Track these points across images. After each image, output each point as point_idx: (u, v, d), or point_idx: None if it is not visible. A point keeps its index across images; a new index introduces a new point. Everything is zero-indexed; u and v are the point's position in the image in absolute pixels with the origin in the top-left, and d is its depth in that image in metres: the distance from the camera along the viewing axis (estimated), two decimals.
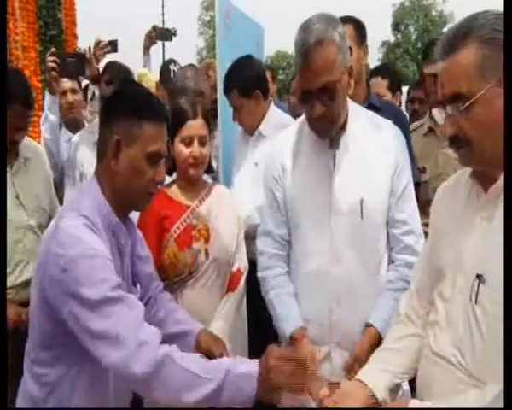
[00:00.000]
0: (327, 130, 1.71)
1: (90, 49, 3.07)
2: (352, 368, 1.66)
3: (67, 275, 1.31)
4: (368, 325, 1.73)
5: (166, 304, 1.74)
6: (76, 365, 1.41)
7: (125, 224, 1.55)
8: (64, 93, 3.37)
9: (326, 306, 1.75)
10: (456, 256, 1.30)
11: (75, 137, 2.96)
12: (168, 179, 2.17)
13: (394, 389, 1.47)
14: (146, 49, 4.05)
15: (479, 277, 1.21)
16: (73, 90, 3.39)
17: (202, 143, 2.07)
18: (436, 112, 2.71)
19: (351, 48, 2.25)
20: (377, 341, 1.68)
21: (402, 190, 1.76)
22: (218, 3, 3.06)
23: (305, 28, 1.61)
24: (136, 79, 3.28)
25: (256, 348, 2.39)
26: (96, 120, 2.79)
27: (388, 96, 3.51)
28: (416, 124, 3.00)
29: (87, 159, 2.70)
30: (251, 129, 2.76)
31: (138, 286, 1.67)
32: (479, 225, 1.26)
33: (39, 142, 3.01)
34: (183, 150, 2.06)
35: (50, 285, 1.35)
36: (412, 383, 1.67)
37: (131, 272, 1.62)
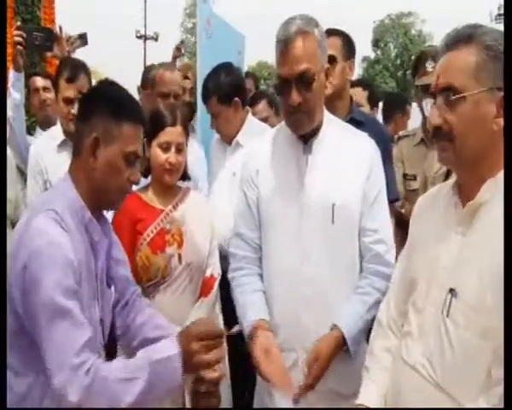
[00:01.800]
0: (302, 122, 1.72)
1: (60, 29, 3.00)
2: (311, 365, 1.65)
3: (27, 271, 1.31)
4: (332, 327, 1.71)
5: (145, 309, 1.72)
6: (44, 372, 1.34)
7: (100, 223, 1.54)
8: (36, 91, 3.31)
9: (295, 309, 1.75)
10: (430, 268, 1.32)
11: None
12: (144, 182, 2.15)
13: None
14: (173, 60, 4.02)
15: (451, 291, 1.23)
16: (45, 88, 3.32)
17: (179, 150, 2.07)
18: (425, 103, 2.73)
19: (336, 59, 2.29)
20: (340, 343, 1.67)
21: (374, 199, 1.76)
22: (199, 11, 3.08)
23: (287, 22, 1.69)
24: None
25: (233, 354, 2.38)
26: (57, 125, 2.70)
27: (367, 107, 3.58)
28: (408, 131, 3.02)
29: (52, 165, 2.55)
30: (228, 138, 2.73)
31: (113, 289, 1.65)
32: (454, 239, 1.28)
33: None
34: (159, 155, 2.05)
35: (14, 279, 1.34)
36: None
37: (107, 275, 1.60)
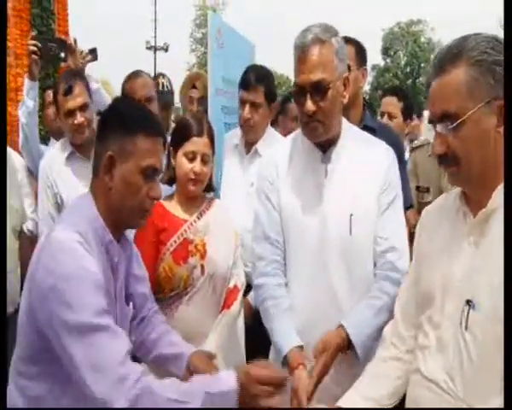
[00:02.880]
0: (317, 130, 1.72)
1: (75, 41, 3.04)
2: (318, 355, 1.63)
3: (55, 293, 1.29)
4: (338, 326, 1.70)
5: (160, 326, 1.72)
6: (60, 383, 1.37)
7: (120, 241, 1.53)
8: (50, 103, 3.34)
9: (312, 318, 1.75)
10: (444, 281, 1.31)
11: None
12: (168, 190, 2.16)
13: None
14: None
15: (468, 302, 1.22)
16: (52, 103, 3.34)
17: (205, 161, 2.06)
18: (427, 129, 2.75)
19: (349, 66, 2.31)
20: (344, 342, 1.66)
21: (387, 207, 1.76)
22: (210, 21, 3.10)
23: (306, 29, 1.69)
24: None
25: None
26: (65, 138, 2.70)
27: (400, 119, 3.51)
28: (422, 140, 3.02)
29: (61, 178, 2.57)
30: (250, 143, 2.64)
31: (131, 305, 1.64)
32: (467, 249, 1.27)
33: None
34: (184, 164, 2.05)
35: (37, 299, 1.33)
36: None
37: (125, 291, 1.60)
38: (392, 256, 1.74)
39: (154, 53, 36.68)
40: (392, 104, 3.44)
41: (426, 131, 3.91)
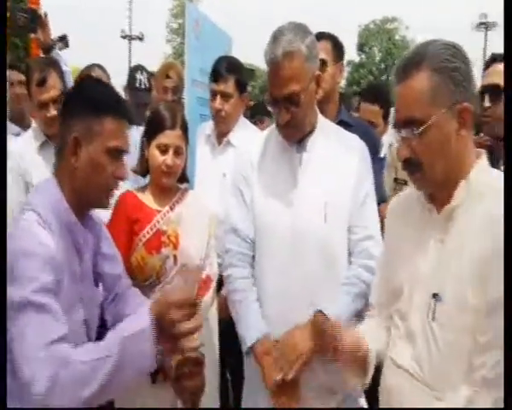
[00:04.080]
0: (292, 135, 1.80)
1: (45, 15, 2.93)
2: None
3: (8, 270, 1.29)
4: (317, 311, 1.72)
5: (134, 300, 1.70)
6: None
7: (86, 222, 1.52)
8: (11, 85, 3.24)
9: (286, 308, 1.77)
10: (412, 275, 1.36)
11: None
12: (142, 182, 2.18)
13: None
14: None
15: (435, 296, 1.28)
16: (21, 82, 3.19)
17: (178, 153, 2.07)
18: (392, 135, 2.79)
19: (326, 62, 2.33)
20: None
21: (363, 197, 1.80)
22: (187, 11, 3.07)
23: (275, 39, 1.70)
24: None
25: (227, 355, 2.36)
26: (36, 126, 2.63)
27: (381, 126, 3.42)
28: None
29: (34, 167, 2.50)
30: (222, 134, 2.64)
31: (101, 286, 1.63)
32: (433, 245, 1.32)
33: None
34: (157, 157, 2.06)
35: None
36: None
37: (94, 272, 1.59)
38: (369, 244, 1.78)
39: (129, 42, 36.20)
40: (373, 113, 3.39)
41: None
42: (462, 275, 1.22)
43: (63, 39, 3.05)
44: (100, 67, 3.27)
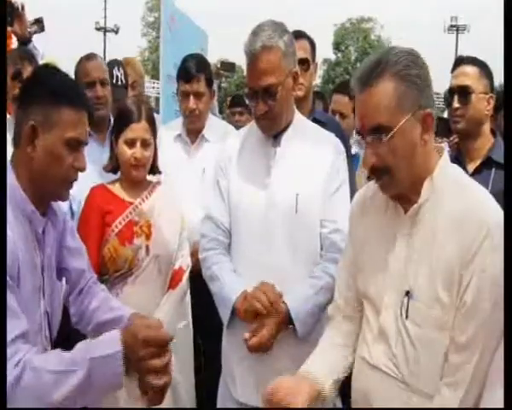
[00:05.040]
0: (269, 127, 1.85)
1: (22, 7, 2.87)
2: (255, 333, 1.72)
3: None
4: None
5: (99, 294, 1.69)
6: None
7: (48, 213, 1.50)
8: None
9: None
10: (381, 274, 1.37)
11: None
12: (114, 177, 2.19)
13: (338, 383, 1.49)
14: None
15: (407, 293, 1.29)
16: None
17: (145, 145, 2.09)
18: (354, 140, 2.80)
19: (308, 61, 2.38)
20: (285, 318, 1.74)
21: (334, 191, 1.84)
22: (163, 6, 3.06)
23: (254, 33, 1.77)
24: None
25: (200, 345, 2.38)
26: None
27: (351, 118, 3.43)
28: None
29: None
30: (196, 131, 2.65)
31: (64, 280, 1.60)
32: (401, 243, 1.34)
33: None
34: (125, 151, 2.09)
35: None
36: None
37: (58, 266, 1.57)
38: (337, 238, 1.81)
39: (104, 35, 35.69)
40: (343, 104, 3.45)
41: None
42: (432, 272, 1.25)
43: (39, 22, 2.96)
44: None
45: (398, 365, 1.31)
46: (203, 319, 2.26)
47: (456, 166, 1.39)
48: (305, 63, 2.36)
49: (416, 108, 1.25)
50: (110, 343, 1.27)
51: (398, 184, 1.31)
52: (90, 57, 2.83)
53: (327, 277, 1.78)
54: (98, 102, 2.51)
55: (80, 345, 1.30)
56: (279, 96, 1.77)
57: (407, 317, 1.29)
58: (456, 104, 2.17)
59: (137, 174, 2.12)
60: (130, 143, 2.08)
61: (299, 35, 2.27)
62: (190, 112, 2.59)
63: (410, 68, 1.25)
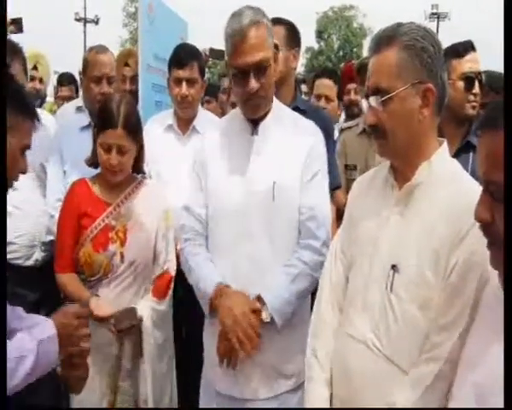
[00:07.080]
0: (259, 106, 1.82)
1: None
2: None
3: None
4: (255, 297, 1.76)
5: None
6: None
7: None
8: None
9: (235, 286, 1.78)
10: (371, 247, 1.40)
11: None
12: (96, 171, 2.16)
13: None
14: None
15: (393, 267, 1.32)
16: None
17: (121, 152, 2.02)
18: (363, 103, 2.83)
19: (277, 46, 2.36)
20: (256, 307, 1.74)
21: (311, 178, 1.83)
22: None
23: (238, 14, 1.75)
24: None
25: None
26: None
27: (335, 102, 3.53)
28: (351, 122, 3.10)
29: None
30: (187, 121, 2.62)
31: None
32: (392, 218, 1.37)
33: None
34: (102, 155, 2.03)
35: None
36: None
37: None
38: (313, 224, 1.81)
39: (84, 25, 35.14)
40: (328, 87, 3.49)
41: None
42: (420, 250, 1.28)
43: (17, 23, 2.88)
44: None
45: (381, 339, 1.33)
46: (188, 304, 2.16)
47: (454, 160, 1.42)
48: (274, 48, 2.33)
49: (418, 80, 1.30)
50: (47, 327, 1.39)
51: (392, 148, 1.36)
52: (100, 51, 2.76)
53: (302, 264, 1.77)
54: (102, 98, 2.49)
55: (21, 333, 1.38)
56: (269, 73, 1.76)
57: (391, 290, 1.31)
58: None
59: (113, 179, 2.07)
60: (106, 149, 2.01)
61: (273, 21, 2.24)
62: (182, 98, 2.55)
63: (417, 41, 1.31)
